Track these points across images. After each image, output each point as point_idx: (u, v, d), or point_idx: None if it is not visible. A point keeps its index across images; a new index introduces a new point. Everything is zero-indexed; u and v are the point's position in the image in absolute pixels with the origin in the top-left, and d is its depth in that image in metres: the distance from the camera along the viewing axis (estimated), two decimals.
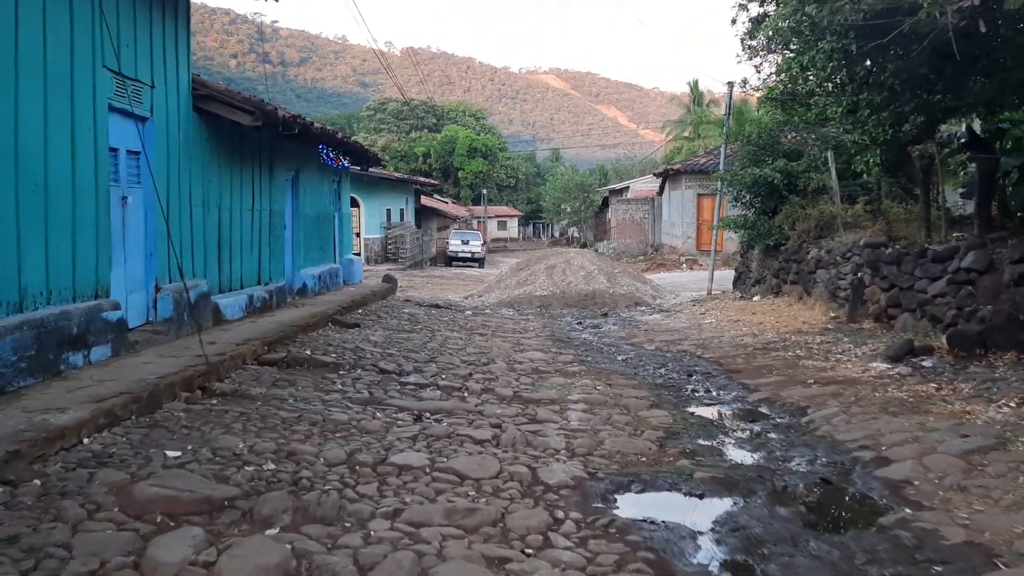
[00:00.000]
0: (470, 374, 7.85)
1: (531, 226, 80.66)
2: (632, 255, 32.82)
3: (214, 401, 5.75)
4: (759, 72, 16.38)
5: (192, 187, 8.46)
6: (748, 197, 15.65)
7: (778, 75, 16.27)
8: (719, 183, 17.05)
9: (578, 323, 14.00)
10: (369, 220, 29.83)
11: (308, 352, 8.12)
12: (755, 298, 15.11)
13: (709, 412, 6.78)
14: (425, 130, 62.16)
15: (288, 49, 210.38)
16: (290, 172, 12.23)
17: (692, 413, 6.67)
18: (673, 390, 7.68)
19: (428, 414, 6.00)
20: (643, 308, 15.94)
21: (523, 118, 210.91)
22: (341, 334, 9.77)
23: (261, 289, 10.42)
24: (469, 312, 14.72)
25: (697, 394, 7.51)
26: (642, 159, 60.18)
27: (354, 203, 28.27)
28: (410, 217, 35.62)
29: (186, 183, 8.30)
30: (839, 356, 8.88)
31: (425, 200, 39.05)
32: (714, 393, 7.56)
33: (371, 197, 29.70)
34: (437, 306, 15.19)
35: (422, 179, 42.03)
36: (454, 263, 37.02)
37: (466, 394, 6.92)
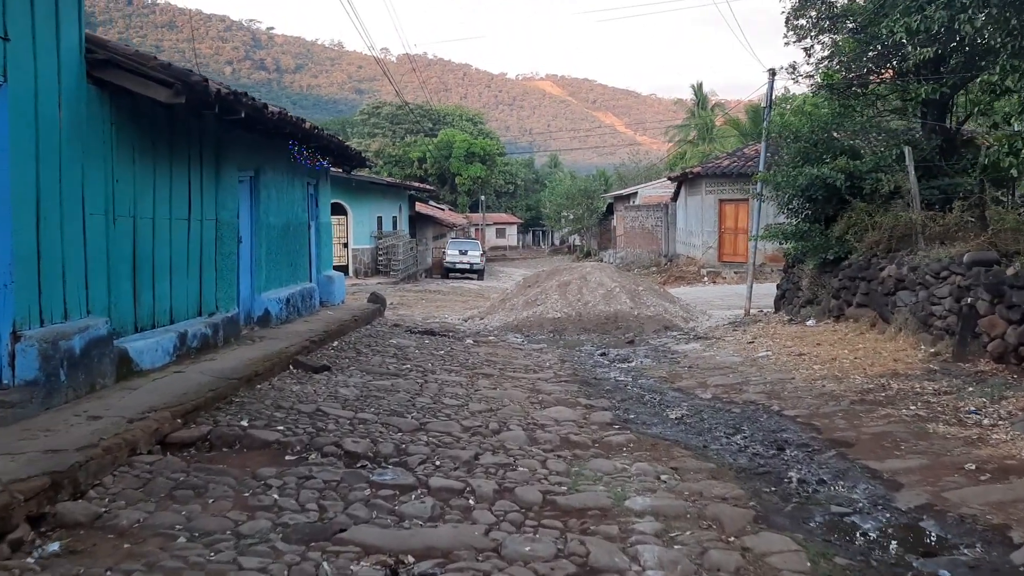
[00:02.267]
0: (476, 456, 5.44)
1: (530, 234, 78.45)
2: (643, 266, 30.40)
3: (31, 559, 3.30)
4: (809, 56, 14.12)
5: (87, 187, 6.05)
6: (797, 203, 13.29)
7: (831, 60, 14.02)
8: (759, 185, 14.65)
9: (601, 354, 11.60)
10: (358, 229, 27.35)
11: (245, 422, 5.69)
12: (809, 322, 12.71)
13: (852, 533, 4.37)
14: (421, 134, 59.74)
15: (283, 56, 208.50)
16: (247, 172, 9.82)
17: (829, 540, 4.25)
18: (770, 480, 5.28)
19: (411, 562, 3.59)
20: (675, 333, 13.52)
21: (520, 125, 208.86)
22: (302, 385, 7.34)
23: (200, 323, 7.99)
24: (470, 340, 12.30)
25: (808, 489, 5.11)
26: (646, 165, 57.81)
27: (341, 210, 25.86)
28: (404, 225, 33.13)
29: (75, 182, 5.89)
30: (977, 417, 6.51)
31: (420, 207, 36.56)
32: (831, 485, 5.16)
33: (360, 204, 27.25)
34: (432, 332, 12.77)
35: (417, 184, 39.62)
36: (451, 275, 34.65)
37: (472, 501, 4.52)
